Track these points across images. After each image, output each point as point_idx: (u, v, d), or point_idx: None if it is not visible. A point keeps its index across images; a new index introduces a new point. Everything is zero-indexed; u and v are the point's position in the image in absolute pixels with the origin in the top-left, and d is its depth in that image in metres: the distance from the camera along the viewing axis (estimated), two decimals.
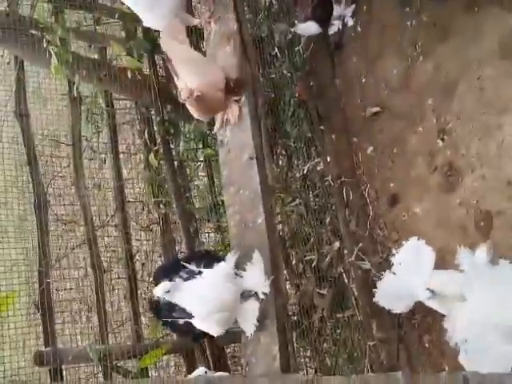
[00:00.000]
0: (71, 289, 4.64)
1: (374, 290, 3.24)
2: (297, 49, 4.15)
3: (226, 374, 3.22)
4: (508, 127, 2.93)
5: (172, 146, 3.87)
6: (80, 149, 4.07)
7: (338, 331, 3.90)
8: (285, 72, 4.28)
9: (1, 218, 4.27)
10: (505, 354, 2.54)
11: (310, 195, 4.12)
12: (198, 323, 2.85)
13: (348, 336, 3.82)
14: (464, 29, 3.17)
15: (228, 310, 2.85)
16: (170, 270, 2.97)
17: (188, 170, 4.17)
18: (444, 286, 2.83)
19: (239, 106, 3.10)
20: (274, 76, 4.33)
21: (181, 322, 2.89)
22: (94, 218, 3.97)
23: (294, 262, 4.25)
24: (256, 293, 2.87)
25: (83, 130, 4.09)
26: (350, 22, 3.82)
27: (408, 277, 3.10)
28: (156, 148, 3.75)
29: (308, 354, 4.07)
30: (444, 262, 3.15)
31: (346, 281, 3.88)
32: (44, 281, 3.55)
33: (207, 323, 2.85)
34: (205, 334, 2.98)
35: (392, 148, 3.52)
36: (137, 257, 4.27)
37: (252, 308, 2.87)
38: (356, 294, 3.75)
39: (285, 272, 4.34)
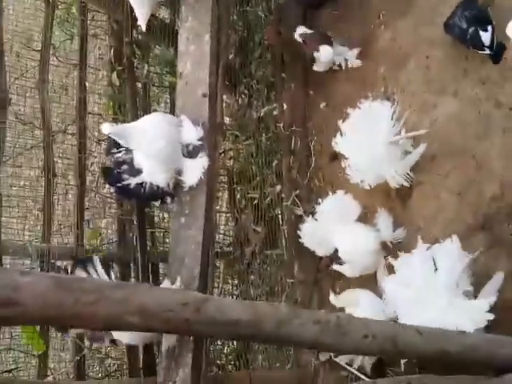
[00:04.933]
0: (25, 186, 4.81)
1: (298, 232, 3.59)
2: None
3: None
4: (441, 107, 3.16)
5: (137, 68, 4.01)
6: (48, 53, 4.17)
7: (265, 266, 4.23)
8: (260, 13, 4.39)
9: None
10: None
11: (263, 137, 4.33)
12: (147, 176, 3.12)
13: (273, 272, 4.16)
14: (424, 8, 3.33)
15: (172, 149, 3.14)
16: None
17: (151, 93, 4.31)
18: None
19: None
20: (249, 15, 4.44)
21: (132, 185, 3.17)
22: (53, 123, 4.14)
23: (237, 196, 4.52)
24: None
25: (54, 36, 4.17)
26: None
27: (329, 225, 3.43)
28: (121, 68, 3.87)
29: (235, 282, 4.42)
30: (365, 219, 3.47)
31: (280, 222, 4.17)
32: None
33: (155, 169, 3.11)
34: (153, 198, 3.27)
35: (342, 107, 3.71)
36: (90, 168, 4.46)
37: (197, 163, 3.16)
38: (286, 235, 4.06)
39: (226, 205, 4.64)
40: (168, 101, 4.75)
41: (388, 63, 3.47)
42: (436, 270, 2.81)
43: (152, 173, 3.18)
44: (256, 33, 4.36)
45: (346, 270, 3.32)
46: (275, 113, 4.29)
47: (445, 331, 2.39)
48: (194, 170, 3.19)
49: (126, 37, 3.85)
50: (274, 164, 4.26)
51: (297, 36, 3.75)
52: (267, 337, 2.03)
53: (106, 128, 3.06)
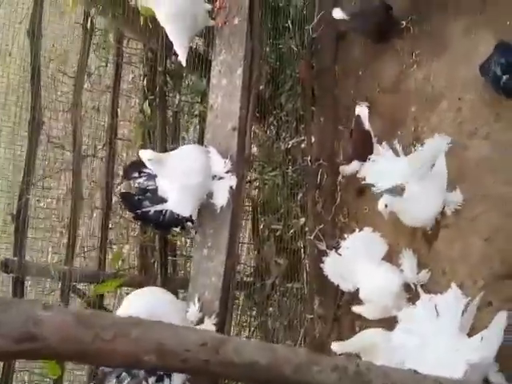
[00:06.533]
0: (50, 208, 4.87)
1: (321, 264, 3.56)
2: (307, 27, 4.28)
3: None
4: (472, 150, 3.13)
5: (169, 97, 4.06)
6: (83, 78, 4.25)
7: (285, 299, 4.19)
8: (292, 46, 4.42)
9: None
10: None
11: (289, 169, 4.33)
12: (172, 205, 3.12)
13: (292, 306, 4.12)
14: (459, 49, 3.31)
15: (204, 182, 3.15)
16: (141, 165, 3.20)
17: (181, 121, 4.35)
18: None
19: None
20: (282, 47, 4.47)
21: (151, 212, 3.18)
22: (83, 147, 4.20)
23: (261, 227, 4.51)
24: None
25: (89, 61, 4.25)
26: None
27: (354, 261, 3.39)
28: (152, 97, 3.92)
29: (253, 313, 4.38)
30: (389, 258, 3.42)
31: (302, 256, 4.14)
32: (24, 195, 3.80)
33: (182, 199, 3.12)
34: (173, 225, 3.28)
35: None
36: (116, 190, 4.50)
37: (223, 186, 3.17)
38: (307, 269, 4.02)
39: (249, 235, 4.62)
40: (197, 127, 4.80)
41: (419, 103, 3.45)
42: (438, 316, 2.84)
43: (179, 202, 3.18)
44: (288, 65, 4.39)
45: (365, 311, 3.28)
46: (303, 145, 4.30)
47: (464, 381, 2.33)
48: (223, 191, 3.20)
49: (160, 66, 3.90)
50: (299, 197, 4.27)
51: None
52: (284, 381, 1.99)
53: (147, 154, 3.08)
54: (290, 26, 4.45)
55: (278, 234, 4.30)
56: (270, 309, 4.22)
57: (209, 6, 3.47)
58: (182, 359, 1.81)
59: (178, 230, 3.54)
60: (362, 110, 3.62)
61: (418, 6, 3.55)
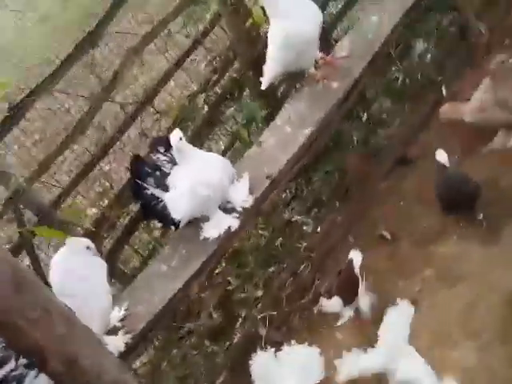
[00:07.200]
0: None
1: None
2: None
3: None
4: None
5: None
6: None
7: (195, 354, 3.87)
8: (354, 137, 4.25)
9: None
10: None
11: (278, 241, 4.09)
12: (169, 198, 2.89)
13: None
14: None
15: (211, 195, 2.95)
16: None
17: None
18: None
19: None
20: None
21: (148, 191, 2.92)
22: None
23: (216, 271, 4.19)
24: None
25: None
26: None
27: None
28: (207, 94, 3.69)
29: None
30: None
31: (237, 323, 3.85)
32: None
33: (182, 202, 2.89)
34: (159, 218, 3.01)
35: None
36: None
37: (224, 220, 2.97)
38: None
39: None
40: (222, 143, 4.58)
41: None
42: None
43: (178, 201, 2.92)
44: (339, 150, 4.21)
45: None
46: (305, 228, 4.08)
47: None
48: (219, 225, 2.97)
49: (238, 73, 3.68)
50: (270, 269, 4.01)
51: None
52: None
53: (177, 135, 2.85)
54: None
55: (228, 288, 4.02)
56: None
57: (320, 55, 3.28)
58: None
59: (158, 224, 3.25)
60: (355, 256, 3.41)
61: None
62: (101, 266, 2.74)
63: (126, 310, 2.82)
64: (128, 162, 3.45)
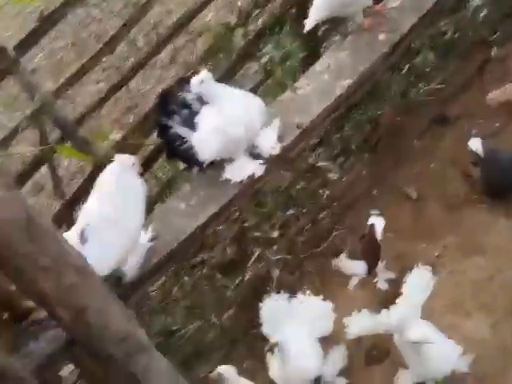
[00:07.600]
0: None
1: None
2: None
3: None
4: None
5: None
6: None
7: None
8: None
9: None
10: None
11: None
12: (196, 138, 2.81)
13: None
14: None
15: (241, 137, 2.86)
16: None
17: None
18: None
19: None
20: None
21: (174, 130, 2.84)
22: None
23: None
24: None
25: None
26: None
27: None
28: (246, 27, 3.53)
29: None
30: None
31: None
32: None
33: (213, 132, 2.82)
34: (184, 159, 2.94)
35: None
36: None
37: (248, 164, 2.90)
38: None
39: None
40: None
41: None
42: None
43: (204, 142, 2.84)
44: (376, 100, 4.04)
45: None
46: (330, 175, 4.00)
47: None
48: (243, 169, 2.89)
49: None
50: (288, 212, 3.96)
51: None
52: None
53: (203, 76, 2.75)
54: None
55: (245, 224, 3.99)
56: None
57: (370, 2, 3.09)
58: None
59: (182, 164, 3.18)
60: (377, 221, 3.33)
61: None
62: (142, 184, 2.70)
63: (153, 233, 2.81)
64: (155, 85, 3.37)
